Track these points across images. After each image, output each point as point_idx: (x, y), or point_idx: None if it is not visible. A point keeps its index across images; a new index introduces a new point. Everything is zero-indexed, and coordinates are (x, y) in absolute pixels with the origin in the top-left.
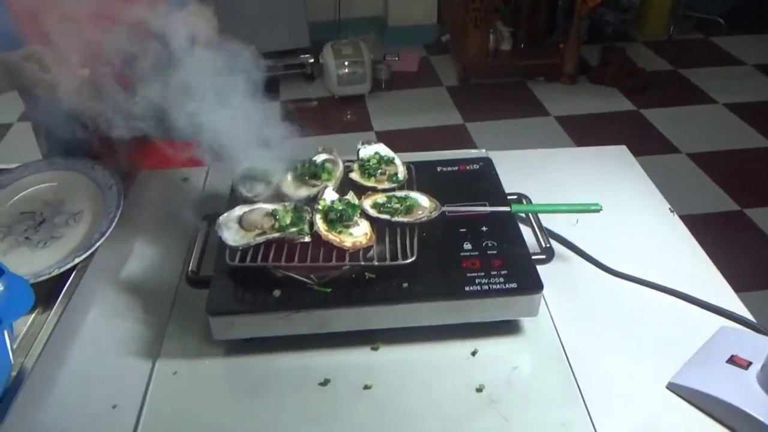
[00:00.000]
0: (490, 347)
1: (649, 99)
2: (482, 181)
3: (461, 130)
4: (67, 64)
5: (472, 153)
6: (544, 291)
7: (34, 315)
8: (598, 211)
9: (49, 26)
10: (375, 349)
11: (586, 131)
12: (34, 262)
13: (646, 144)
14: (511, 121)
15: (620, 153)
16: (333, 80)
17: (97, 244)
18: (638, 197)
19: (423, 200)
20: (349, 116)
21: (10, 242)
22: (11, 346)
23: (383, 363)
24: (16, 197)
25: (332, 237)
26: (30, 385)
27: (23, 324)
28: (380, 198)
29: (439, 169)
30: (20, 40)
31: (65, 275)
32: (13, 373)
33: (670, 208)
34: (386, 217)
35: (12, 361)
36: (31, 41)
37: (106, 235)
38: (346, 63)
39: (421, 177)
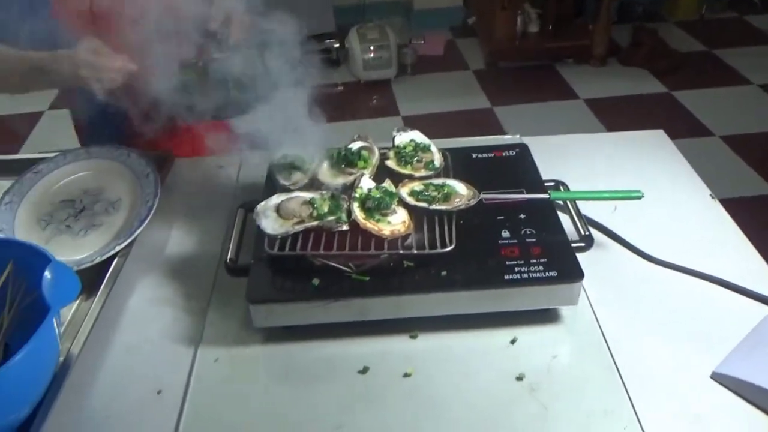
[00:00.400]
0: (530, 336)
1: (681, 80)
2: (519, 168)
3: (488, 114)
4: (124, 56)
5: (507, 139)
6: (584, 279)
7: (78, 302)
8: (639, 197)
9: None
10: (413, 337)
11: (616, 114)
12: (75, 250)
13: (678, 127)
14: (539, 104)
15: (657, 137)
16: (358, 65)
17: (137, 232)
18: (678, 183)
19: (460, 188)
20: (375, 101)
21: (52, 230)
22: (59, 333)
23: (422, 351)
24: (57, 185)
25: (370, 225)
26: (77, 370)
27: (68, 311)
28: (417, 186)
29: (474, 155)
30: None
31: (107, 263)
32: (61, 359)
33: (711, 194)
34: (424, 205)
35: (60, 347)
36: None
37: (146, 222)
38: (372, 47)
39: (457, 164)
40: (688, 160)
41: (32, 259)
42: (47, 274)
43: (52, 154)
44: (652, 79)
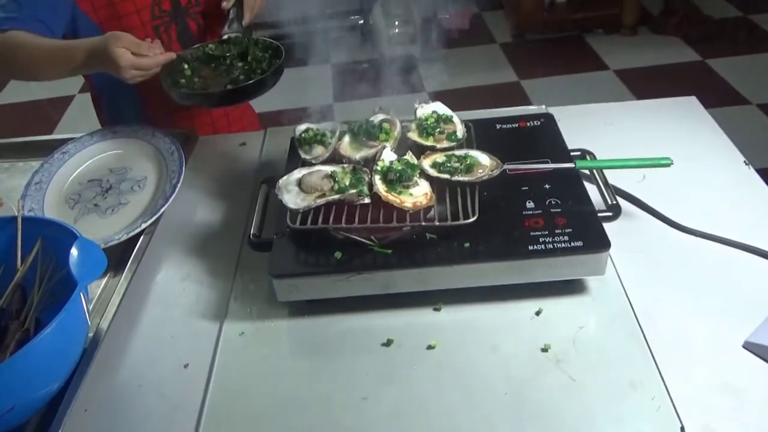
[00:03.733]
0: (555, 307)
1: (716, 48)
2: (544, 138)
3: (516, 88)
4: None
5: (532, 109)
6: (611, 249)
7: (106, 279)
8: (668, 165)
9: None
10: (437, 309)
11: (648, 85)
12: (103, 228)
13: (712, 96)
14: (568, 76)
15: (690, 105)
16: (383, 41)
17: (162, 209)
18: (710, 150)
19: (483, 158)
20: (400, 77)
21: (80, 209)
22: (87, 308)
23: (446, 323)
24: (84, 165)
25: (392, 198)
26: (106, 345)
27: (97, 287)
28: (439, 157)
29: (498, 126)
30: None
31: (133, 240)
32: (90, 334)
33: (745, 161)
34: (446, 176)
35: (89, 322)
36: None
37: (170, 200)
38: (397, 23)
39: (481, 135)
40: (723, 129)
41: (60, 237)
42: (74, 250)
43: (79, 135)
44: (685, 48)
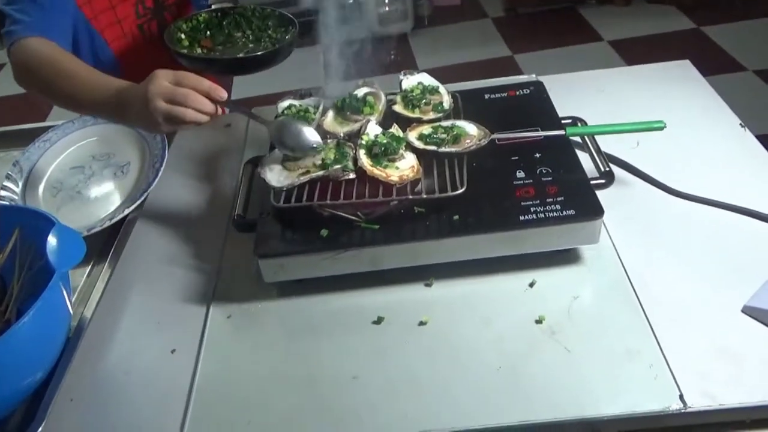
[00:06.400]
0: (549, 278)
1: (711, 15)
2: (534, 107)
3: (509, 63)
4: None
5: (522, 78)
6: (605, 217)
7: (90, 267)
8: (661, 128)
9: None
10: (428, 285)
11: (643, 54)
12: (86, 216)
13: (709, 63)
14: (562, 49)
15: (683, 68)
16: (374, 19)
17: (145, 195)
18: (705, 114)
19: (471, 128)
20: (392, 56)
21: (63, 197)
22: (69, 297)
23: (438, 299)
24: (66, 153)
25: (378, 172)
26: (91, 333)
27: (81, 276)
28: (426, 129)
29: (486, 96)
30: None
31: (117, 227)
32: (74, 323)
33: (740, 123)
34: (433, 148)
35: (71, 311)
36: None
37: (153, 185)
38: (386, 0)
39: (468, 106)
40: (720, 96)
41: (39, 225)
42: (51, 237)
43: (61, 122)
44: (680, 16)
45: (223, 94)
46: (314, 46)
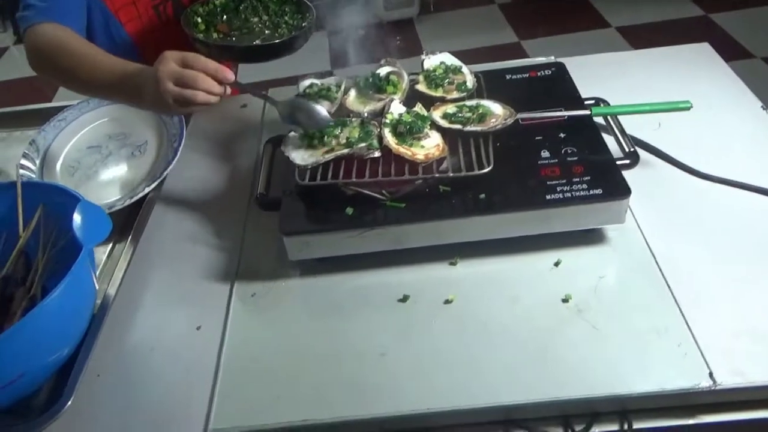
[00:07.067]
0: (574, 257)
1: (718, 2)
2: (556, 88)
3: (516, 49)
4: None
5: (541, 60)
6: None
7: (111, 245)
8: (688, 108)
9: None
10: (453, 264)
11: (651, 41)
12: (105, 195)
13: (717, 50)
14: (569, 35)
15: (703, 51)
16: (379, 4)
17: (165, 173)
18: (726, 97)
19: (496, 108)
20: (398, 42)
21: (80, 176)
22: (94, 273)
23: (463, 277)
24: (81, 132)
25: (403, 150)
26: (115, 310)
27: (102, 254)
28: (450, 108)
29: (508, 77)
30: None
31: (137, 206)
32: (98, 301)
33: (762, 106)
34: (458, 126)
35: (97, 286)
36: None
37: (173, 164)
38: None
39: (491, 86)
40: None
41: (62, 201)
42: (77, 213)
43: (76, 102)
44: (687, 3)
45: (229, 76)
46: (319, 32)
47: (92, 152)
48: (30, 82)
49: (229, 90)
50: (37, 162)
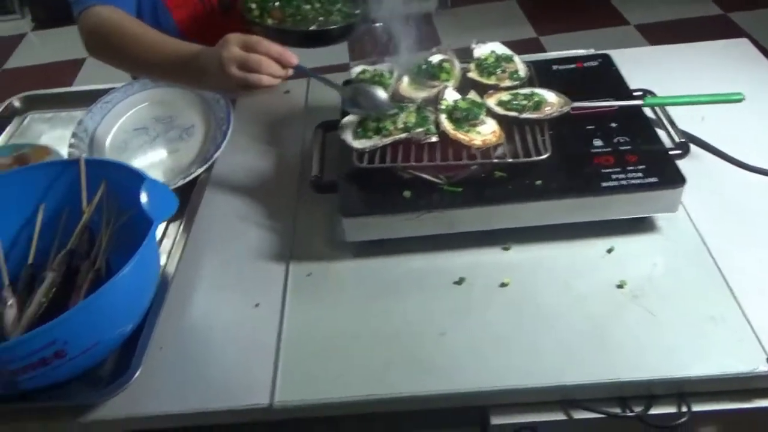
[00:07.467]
0: (626, 245)
1: (739, 1)
2: (603, 79)
3: (534, 44)
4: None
5: (582, 52)
6: None
7: (165, 225)
8: (740, 100)
9: None
10: (506, 249)
11: (669, 40)
12: (153, 176)
13: None
14: (587, 32)
15: (742, 46)
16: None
17: (216, 154)
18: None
19: (550, 96)
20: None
21: (127, 158)
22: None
23: (516, 262)
24: (127, 114)
25: (461, 136)
26: (175, 286)
27: (157, 234)
28: (504, 96)
29: (555, 67)
30: None
31: (188, 188)
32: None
33: None
34: (514, 114)
35: (161, 264)
36: None
37: (222, 147)
38: None
39: (540, 76)
40: None
41: (124, 179)
42: (143, 190)
43: (120, 85)
44: (707, 2)
45: (293, 60)
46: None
47: (139, 134)
48: (47, 68)
49: (291, 72)
50: (86, 141)
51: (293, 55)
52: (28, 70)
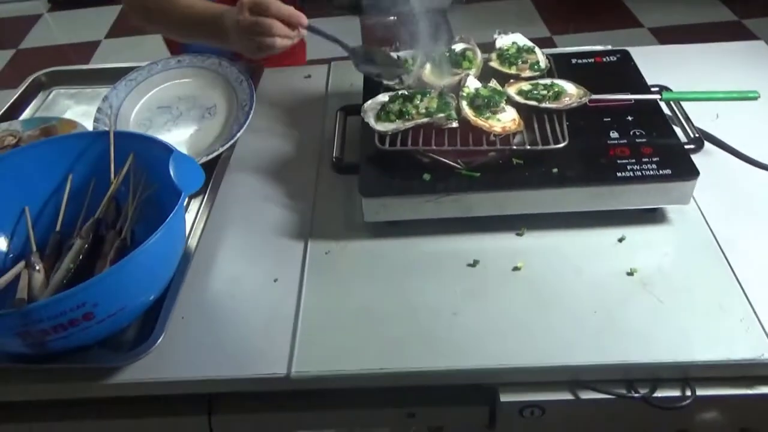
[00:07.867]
0: (637, 235)
1: (753, 7)
2: (621, 73)
3: (548, 44)
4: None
5: (600, 47)
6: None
7: (187, 200)
8: (756, 98)
9: None
10: (520, 234)
11: (682, 43)
12: None
13: None
14: (601, 33)
15: (758, 48)
16: None
17: (239, 133)
18: None
19: (570, 87)
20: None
21: (152, 134)
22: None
23: (530, 247)
24: (151, 93)
25: (481, 122)
26: (197, 258)
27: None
28: (525, 86)
29: (574, 61)
30: None
31: (208, 165)
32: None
33: None
34: (534, 103)
35: (187, 235)
36: None
37: (245, 126)
38: None
39: (559, 68)
40: None
41: (152, 152)
42: (172, 162)
43: (145, 63)
44: (721, 7)
45: (303, 20)
46: (349, 17)
47: (163, 112)
48: (62, 48)
49: (304, 32)
50: (111, 117)
51: (303, 16)
52: (44, 51)
